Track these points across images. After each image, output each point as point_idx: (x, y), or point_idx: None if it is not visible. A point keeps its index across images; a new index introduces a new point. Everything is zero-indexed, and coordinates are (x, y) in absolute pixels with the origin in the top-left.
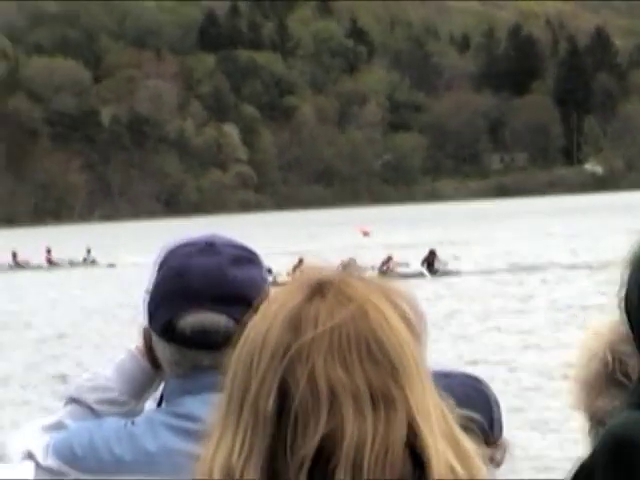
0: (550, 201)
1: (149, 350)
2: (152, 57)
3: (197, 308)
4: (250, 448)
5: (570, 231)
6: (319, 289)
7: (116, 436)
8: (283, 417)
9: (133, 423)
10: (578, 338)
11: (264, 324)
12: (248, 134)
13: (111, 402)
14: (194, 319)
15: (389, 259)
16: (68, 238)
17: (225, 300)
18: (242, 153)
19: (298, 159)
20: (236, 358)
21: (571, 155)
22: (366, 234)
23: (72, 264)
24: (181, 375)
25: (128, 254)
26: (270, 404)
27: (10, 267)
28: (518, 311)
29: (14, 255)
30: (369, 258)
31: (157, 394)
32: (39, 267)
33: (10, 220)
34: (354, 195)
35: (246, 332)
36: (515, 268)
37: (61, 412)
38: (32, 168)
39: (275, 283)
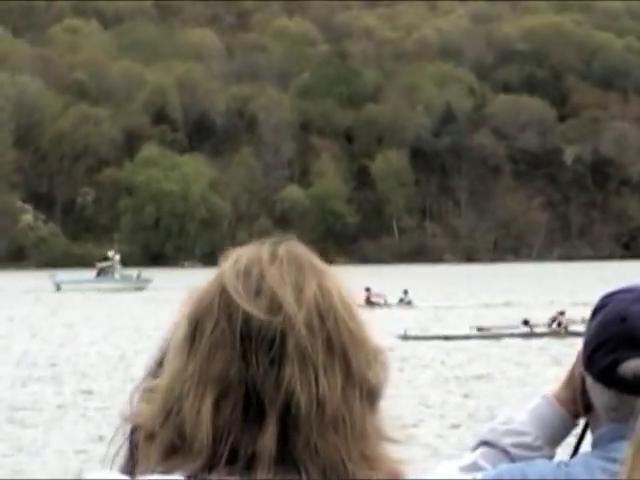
0: None
1: (582, 394)
2: (618, 98)
3: (639, 354)
4: None
5: None
6: None
7: (552, 475)
8: None
9: (567, 465)
10: None
11: None
12: None
13: (526, 446)
14: (635, 365)
15: (561, 314)
16: (524, 276)
17: None
18: None
19: None
20: None
21: None
22: None
23: (387, 305)
24: (618, 420)
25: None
26: None
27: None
28: None
29: (367, 290)
30: None
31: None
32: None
33: (470, 256)
34: None
35: None
36: None
37: (474, 454)
38: (494, 204)
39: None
